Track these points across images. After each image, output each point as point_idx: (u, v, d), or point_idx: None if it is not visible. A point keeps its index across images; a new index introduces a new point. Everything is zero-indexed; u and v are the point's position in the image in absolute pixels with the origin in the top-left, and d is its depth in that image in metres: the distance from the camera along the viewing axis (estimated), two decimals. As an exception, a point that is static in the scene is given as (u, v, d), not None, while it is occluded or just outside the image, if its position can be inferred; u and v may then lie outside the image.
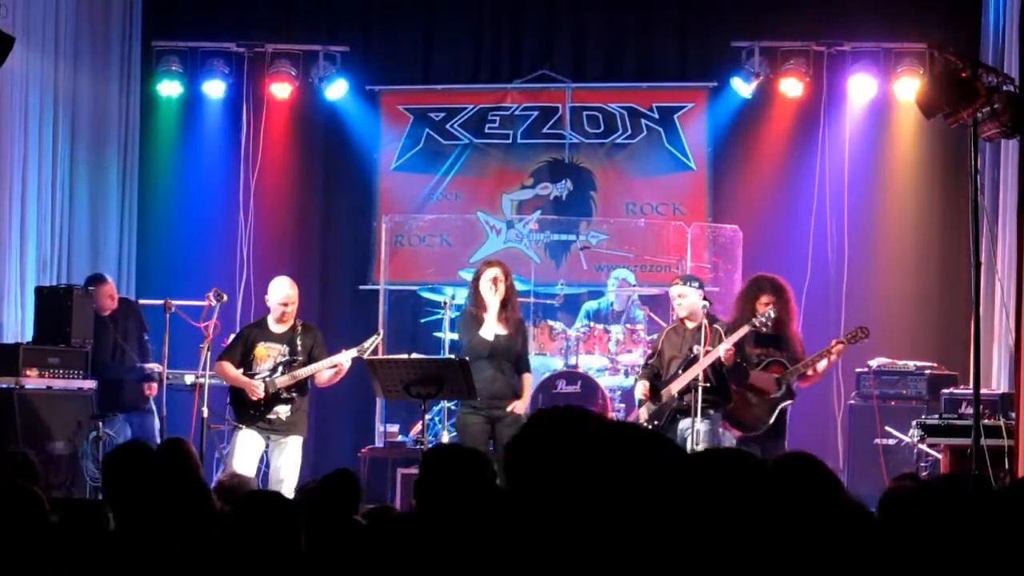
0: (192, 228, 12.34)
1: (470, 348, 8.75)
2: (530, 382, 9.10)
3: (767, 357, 8.71)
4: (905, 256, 11.64)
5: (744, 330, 8.88)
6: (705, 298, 8.87)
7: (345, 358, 8.86)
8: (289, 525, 3.90)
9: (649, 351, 9.51)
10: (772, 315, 8.84)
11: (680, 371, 8.76)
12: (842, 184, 11.64)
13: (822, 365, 8.84)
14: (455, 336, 10.66)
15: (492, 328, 8.71)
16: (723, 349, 8.56)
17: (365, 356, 8.88)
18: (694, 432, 8.48)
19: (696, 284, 8.92)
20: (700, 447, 8.44)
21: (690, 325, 8.83)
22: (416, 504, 4.20)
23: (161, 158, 12.46)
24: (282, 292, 9.04)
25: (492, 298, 8.73)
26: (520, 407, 8.75)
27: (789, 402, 8.78)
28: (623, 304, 11.30)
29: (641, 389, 8.91)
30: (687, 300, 8.80)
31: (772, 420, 8.68)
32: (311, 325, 9.26)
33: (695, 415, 8.51)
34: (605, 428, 2.89)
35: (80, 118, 11.77)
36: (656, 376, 8.94)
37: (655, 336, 9.67)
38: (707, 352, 8.59)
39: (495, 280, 8.73)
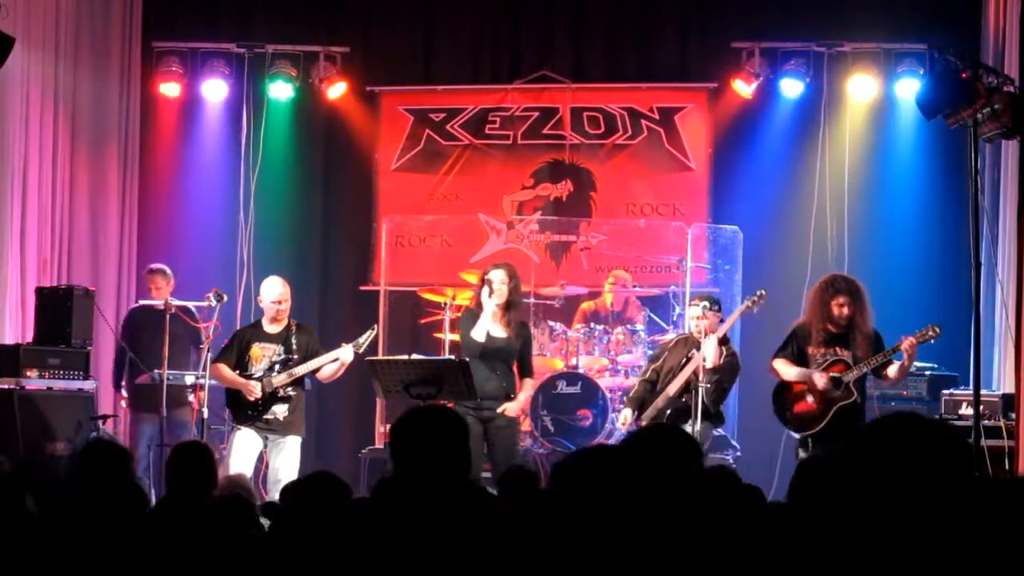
0: (192, 228, 12.34)
1: (463, 348, 8.79)
2: (530, 386, 9.09)
3: (831, 356, 8.59)
4: (905, 256, 11.63)
5: (740, 311, 8.91)
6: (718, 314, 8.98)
7: (346, 353, 8.88)
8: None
9: (653, 354, 9.53)
10: (762, 296, 8.90)
11: (680, 370, 8.81)
12: (842, 184, 11.64)
13: (894, 370, 8.50)
14: (456, 336, 10.70)
15: (485, 328, 8.73)
16: (710, 351, 8.59)
17: (361, 351, 8.92)
18: (693, 434, 8.49)
19: (717, 307, 9.04)
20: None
21: (699, 338, 8.90)
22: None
23: (161, 158, 12.45)
24: (275, 291, 9.05)
25: (487, 300, 8.74)
26: (512, 409, 8.73)
27: (849, 401, 8.44)
28: (621, 304, 11.30)
29: (623, 419, 9.12)
30: (704, 323, 8.90)
31: (827, 420, 8.50)
32: (306, 325, 9.27)
33: (695, 417, 8.52)
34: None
35: (80, 118, 11.77)
36: (652, 386, 9.03)
37: (662, 338, 9.71)
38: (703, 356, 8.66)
39: (500, 282, 8.75)
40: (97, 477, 4.99)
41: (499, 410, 8.66)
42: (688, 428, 8.54)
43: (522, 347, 8.88)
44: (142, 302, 10.70)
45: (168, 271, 10.66)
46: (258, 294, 9.32)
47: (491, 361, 8.71)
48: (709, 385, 8.74)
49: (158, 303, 10.17)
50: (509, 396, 8.75)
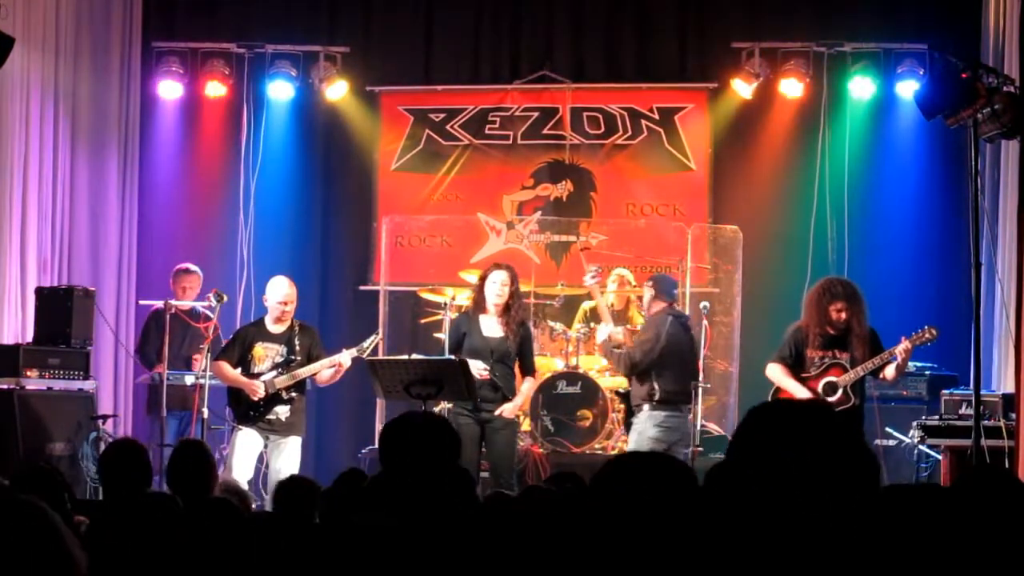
0: (192, 228, 12.34)
1: (458, 349, 8.79)
2: (531, 386, 9.15)
3: (828, 359, 8.56)
4: (905, 256, 11.64)
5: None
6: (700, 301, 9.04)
7: (345, 357, 8.89)
8: None
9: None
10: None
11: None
12: (842, 184, 11.64)
13: (891, 371, 8.46)
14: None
15: (481, 329, 8.75)
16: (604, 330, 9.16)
17: (364, 356, 8.91)
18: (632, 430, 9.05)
19: (648, 283, 9.33)
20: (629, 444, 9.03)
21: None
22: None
23: (161, 158, 12.45)
24: (281, 291, 9.06)
25: (490, 297, 8.77)
26: (508, 410, 8.77)
27: (847, 406, 8.35)
28: (622, 303, 11.30)
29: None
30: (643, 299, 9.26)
31: None
32: (308, 326, 9.28)
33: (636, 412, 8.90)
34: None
35: (80, 118, 11.76)
36: None
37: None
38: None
39: (502, 284, 8.78)
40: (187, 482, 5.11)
41: (496, 412, 8.67)
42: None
43: (520, 345, 8.89)
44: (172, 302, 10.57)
45: (198, 270, 10.76)
46: (263, 294, 9.33)
47: (487, 362, 8.73)
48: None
49: (184, 304, 10.29)
50: (507, 397, 8.78)
